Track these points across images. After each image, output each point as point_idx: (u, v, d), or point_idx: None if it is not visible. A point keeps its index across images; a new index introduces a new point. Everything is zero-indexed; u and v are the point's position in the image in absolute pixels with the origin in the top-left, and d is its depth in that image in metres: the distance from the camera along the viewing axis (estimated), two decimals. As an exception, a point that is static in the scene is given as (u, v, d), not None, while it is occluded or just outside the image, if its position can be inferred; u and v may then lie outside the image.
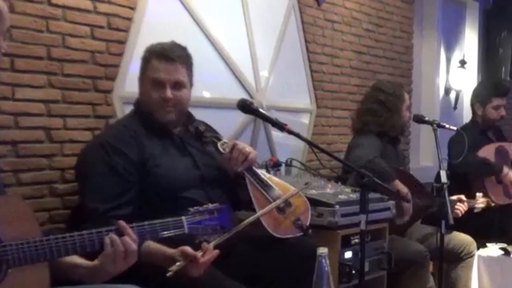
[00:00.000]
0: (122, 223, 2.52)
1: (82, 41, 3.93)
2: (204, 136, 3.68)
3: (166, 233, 2.63)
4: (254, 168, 3.62)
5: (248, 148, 3.58)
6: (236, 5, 5.09)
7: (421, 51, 7.67)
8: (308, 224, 3.60)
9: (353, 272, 4.01)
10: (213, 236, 2.82)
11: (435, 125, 4.80)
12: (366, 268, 3.89)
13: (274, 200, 3.52)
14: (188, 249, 2.91)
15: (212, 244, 2.96)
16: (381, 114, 5.20)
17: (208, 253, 2.93)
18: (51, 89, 3.78)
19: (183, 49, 3.62)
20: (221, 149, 3.59)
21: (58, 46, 3.80)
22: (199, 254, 2.90)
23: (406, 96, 5.42)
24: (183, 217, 2.68)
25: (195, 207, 2.73)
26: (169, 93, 3.48)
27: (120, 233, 2.50)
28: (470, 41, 8.73)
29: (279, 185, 3.65)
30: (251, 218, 3.34)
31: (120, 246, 2.47)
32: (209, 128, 3.81)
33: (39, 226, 2.49)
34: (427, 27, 7.66)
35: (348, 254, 4.11)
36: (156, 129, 3.54)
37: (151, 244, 2.95)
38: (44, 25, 3.71)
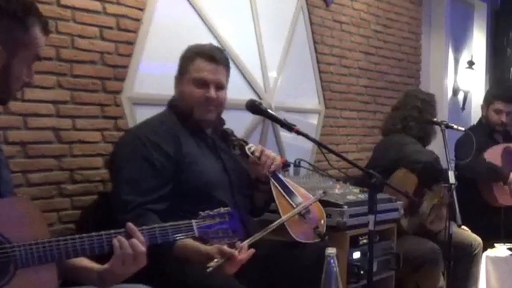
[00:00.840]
0: (130, 225, 2.49)
1: (91, 42, 3.92)
2: (231, 139, 3.72)
3: (176, 236, 2.60)
4: (278, 173, 3.66)
5: (274, 154, 3.64)
6: (245, 5, 5.08)
7: (429, 52, 7.61)
8: (324, 231, 3.63)
9: (362, 272, 4.03)
10: (224, 240, 2.78)
11: (443, 126, 4.82)
12: (375, 269, 3.90)
13: (297, 206, 3.55)
14: (225, 247, 2.93)
15: (246, 243, 3.03)
16: (421, 122, 5.25)
17: (243, 251, 2.98)
18: (60, 90, 3.77)
19: (223, 52, 3.68)
20: (248, 153, 3.62)
21: (67, 47, 3.79)
22: (236, 252, 2.93)
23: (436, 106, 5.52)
24: (193, 221, 2.64)
25: (206, 211, 2.71)
26: (213, 92, 3.51)
27: (129, 235, 2.47)
28: (478, 42, 8.67)
29: (298, 191, 3.69)
30: (278, 221, 3.40)
31: (128, 249, 2.44)
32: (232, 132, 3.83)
33: (47, 227, 2.47)
34: (435, 28, 7.61)
35: (356, 255, 4.12)
36: (192, 128, 3.55)
37: (187, 240, 2.94)
38: (53, 26, 3.69)
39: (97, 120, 3.97)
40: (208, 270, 2.90)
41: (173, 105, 3.64)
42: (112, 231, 2.46)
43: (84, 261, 2.53)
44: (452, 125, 4.89)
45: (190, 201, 3.31)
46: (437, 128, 5.09)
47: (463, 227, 5.25)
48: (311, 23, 5.71)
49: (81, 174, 3.86)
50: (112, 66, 4.05)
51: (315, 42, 5.76)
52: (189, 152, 3.43)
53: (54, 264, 2.34)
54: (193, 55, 3.55)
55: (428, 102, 5.34)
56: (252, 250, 3.02)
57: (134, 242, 2.45)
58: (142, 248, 2.47)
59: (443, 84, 7.71)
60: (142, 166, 3.30)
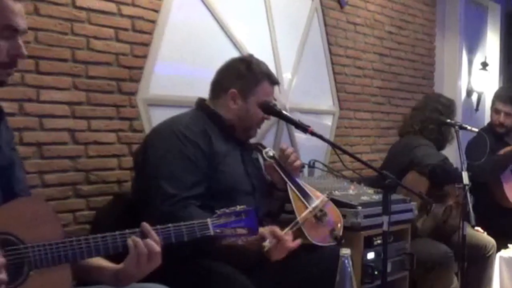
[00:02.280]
0: (145, 225, 2.46)
1: (107, 44, 3.90)
2: (248, 143, 3.73)
3: (192, 235, 2.57)
4: (296, 176, 3.67)
5: (295, 155, 3.66)
6: (259, 7, 5.06)
7: (443, 53, 7.58)
8: (341, 234, 3.64)
9: (376, 272, 4.01)
10: (239, 238, 2.76)
11: (457, 127, 4.79)
12: (389, 269, 3.91)
13: (314, 209, 3.57)
14: (277, 229, 3.07)
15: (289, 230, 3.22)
16: (440, 125, 5.22)
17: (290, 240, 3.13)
18: (76, 91, 3.75)
19: None
20: (265, 157, 3.64)
21: (83, 48, 3.77)
22: (286, 236, 3.09)
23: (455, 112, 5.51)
24: (208, 219, 2.62)
25: (222, 209, 2.68)
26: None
27: (144, 235, 2.44)
28: (491, 43, 8.62)
29: (315, 194, 3.69)
30: (294, 223, 3.42)
31: (143, 248, 2.41)
32: None
33: (62, 227, 2.44)
34: (449, 29, 7.58)
35: (370, 255, 4.10)
36: (223, 130, 3.54)
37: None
38: (68, 27, 3.68)
39: (113, 121, 3.96)
40: (265, 249, 3.05)
41: (203, 107, 3.61)
42: (127, 230, 2.44)
43: (100, 261, 2.51)
44: (466, 126, 4.85)
45: (216, 201, 3.28)
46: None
47: (477, 228, 5.22)
48: (326, 25, 5.69)
49: (97, 175, 3.85)
50: (127, 67, 4.03)
51: (329, 44, 5.74)
52: (219, 152, 3.42)
53: (69, 265, 2.32)
54: (261, 77, 3.58)
55: (448, 107, 5.33)
56: (299, 241, 3.18)
57: (148, 242, 2.43)
58: (157, 248, 2.44)
59: (457, 86, 7.67)
60: (182, 161, 3.28)
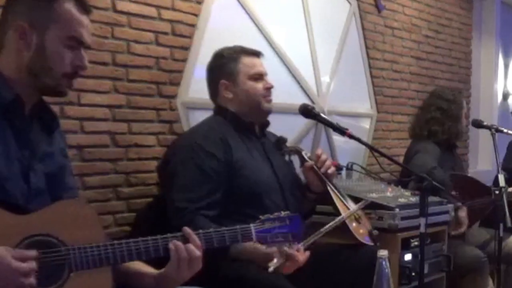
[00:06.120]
0: (186, 229, 2.40)
1: (147, 47, 3.87)
2: (285, 146, 3.70)
3: (233, 240, 2.52)
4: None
5: (330, 161, 3.63)
6: (298, 12, 5.02)
7: (480, 57, 7.56)
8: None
9: (413, 274, 3.97)
10: (283, 244, 2.70)
11: (493, 130, 4.73)
12: (426, 270, 3.90)
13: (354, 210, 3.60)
14: (285, 247, 2.94)
15: (302, 246, 3.06)
16: (445, 122, 5.14)
17: (301, 254, 3.02)
18: (116, 94, 3.72)
19: None
20: (306, 157, 3.60)
21: (123, 52, 3.74)
22: (295, 252, 2.97)
23: (464, 102, 5.35)
24: (251, 225, 2.54)
25: (266, 215, 2.61)
26: (270, 82, 3.59)
27: (186, 239, 2.38)
28: (528, 47, 8.52)
29: (349, 198, 3.72)
30: (338, 219, 3.44)
31: (184, 253, 2.36)
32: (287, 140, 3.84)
33: (103, 230, 2.40)
34: (485, 33, 7.54)
35: (408, 257, 4.06)
36: (242, 130, 3.53)
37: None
38: (109, 31, 3.65)
39: (153, 124, 3.92)
40: (269, 270, 2.92)
41: (220, 110, 3.59)
42: (169, 235, 2.38)
43: (140, 266, 2.47)
44: (502, 129, 4.81)
45: (244, 204, 3.28)
46: (471, 128, 4.99)
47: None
48: (363, 29, 5.66)
49: (136, 177, 3.81)
50: (167, 71, 3.99)
51: (367, 48, 5.70)
52: (239, 156, 3.38)
53: (109, 268, 2.27)
54: (235, 56, 3.55)
55: (453, 101, 5.20)
56: (308, 253, 3.04)
57: (190, 247, 2.37)
58: (198, 253, 2.39)
59: (493, 89, 7.65)
60: (194, 173, 3.27)
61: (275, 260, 2.93)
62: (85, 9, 2.40)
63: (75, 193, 2.57)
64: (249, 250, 3.02)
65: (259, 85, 3.53)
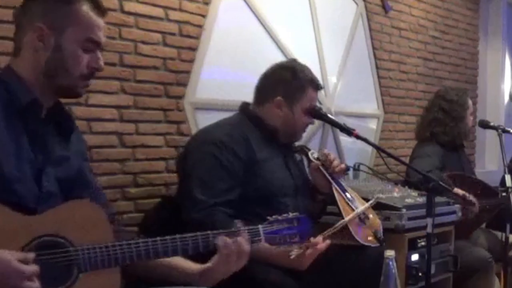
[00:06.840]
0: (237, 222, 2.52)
1: (154, 48, 3.86)
2: (293, 145, 3.72)
3: None
4: (338, 178, 3.65)
5: (338, 160, 3.64)
6: (305, 12, 5.01)
7: (486, 58, 7.53)
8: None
9: (420, 274, 3.96)
10: (291, 245, 2.68)
11: (500, 130, 4.75)
12: (432, 271, 3.85)
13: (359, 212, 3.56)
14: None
15: (321, 236, 3.07)
16: (447, 123, 5.10)
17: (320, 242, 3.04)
18: (124, 95, 3.71)
19: None
20: (311, 158, 3.60)
21: (131, 53, 3.74)
22: (316, 240, 2.99)
23: (470, 102, 5.28)
24: (259, 226, 2.55)
25: (274, 216, 2.61)
26: (314, 120, 3.65)
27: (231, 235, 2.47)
28: (534, 48, 8.50)
29: (357, 198, 3.69)
30: (341, 222, 3.37)
31: (233, 247, 2.43)
32: None
33: (113, 231, 2.39)
34: (492, 34, 7.51)
35: (414, 257, 4.06)
36: (266, 135, 3.52)
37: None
38: (117, 32, 3.65)
39: (160, 125, 3.92)
40: (291, 257, 2.91)
41: (248, 113, 3.58)
42: (210, 232, 2.44)
43: (180, 261, 2.52)
44: (509, 129, 4.84)
45: (259, 205, 3.29)
46: (477, 128, 4.96)
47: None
48: (370, 29, 5.65)
49: (144, 178, 3.81)
50: (175, 71, 3.98)
51: (374, 48, 5.69)
52: (260, 157, 3.39)
53: (119, 268, 2.27)
54: (305, 84, 3.53)
55: (455, 102, 5.13)
56: (329, 241, 3.05)
57: (240, 241, 2.46)
58: (248, 247, 2.48)
59: (500, 90, 7.62)
60: (215, 168, 3.26)
61: (295, 250, 2.93)
62: (102, 11, 2.41)
63: (98, 189, 2.63)
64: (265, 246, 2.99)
65: (308, 121, 3.58)
